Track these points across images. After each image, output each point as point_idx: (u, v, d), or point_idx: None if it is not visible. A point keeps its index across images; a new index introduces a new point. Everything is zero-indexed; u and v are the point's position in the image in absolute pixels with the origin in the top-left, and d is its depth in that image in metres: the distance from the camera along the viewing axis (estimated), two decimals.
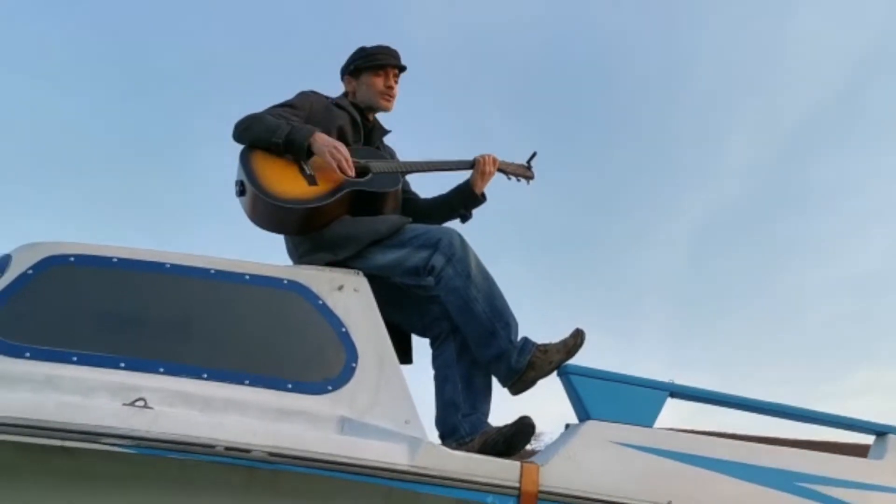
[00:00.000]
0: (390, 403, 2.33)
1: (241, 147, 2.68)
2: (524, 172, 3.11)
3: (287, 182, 2.58)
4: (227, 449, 1.99)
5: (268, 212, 2.59)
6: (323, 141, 2.62)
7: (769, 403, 2.69)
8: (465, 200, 3.02)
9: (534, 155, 3.13)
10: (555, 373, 2.51)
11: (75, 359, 2.19)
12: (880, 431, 2.75)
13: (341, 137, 2.77)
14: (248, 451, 2.01)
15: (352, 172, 2.63)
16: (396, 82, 3.01)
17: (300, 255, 2.65)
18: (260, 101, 3.06)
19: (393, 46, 3.03)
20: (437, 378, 2.70)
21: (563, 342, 2.50)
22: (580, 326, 2.55)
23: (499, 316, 2.52)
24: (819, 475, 2.51)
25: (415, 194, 3.10)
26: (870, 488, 2.55)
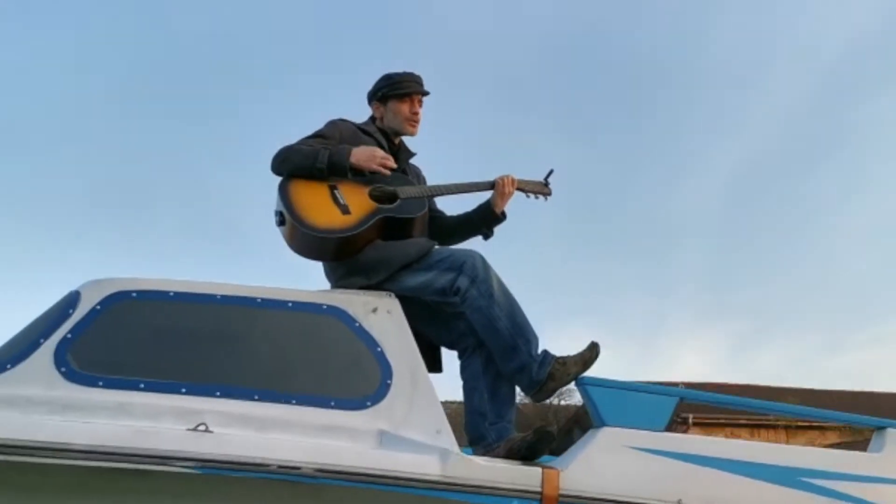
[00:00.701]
0: (423, 415, 2.58)
1: (278, 178, 2.91)
2: (542, 189, 3.28)
3: (322, 212, 2.81)
4: (280, 467, 2.26)
5: (306, 241, 2.83)
6: (361, 154, 2.87)
7: (773, 405, 2.89)
8: (486, 219, 3.22)
9: (550, 172, 3.30)
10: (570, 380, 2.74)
11: (142, 386, 2.47)
12: (879, 426, 2.92)
13: None
14: (297, 468, 2.27)
15: (394, 164, 2.89)
16: (420, 107, 3.21)
17: (337, 278, 2.89)
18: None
19: (417, 72, 3.23)
20: (465, 388, 2.94)
21: (581, 355, 2.72)
22: (595, 340, 2.77)
23: (520, 332, 2.74)
24: (820, 470, 2.70)
25: (440, 212, 3.31)
26: (870, 480, 2.73)
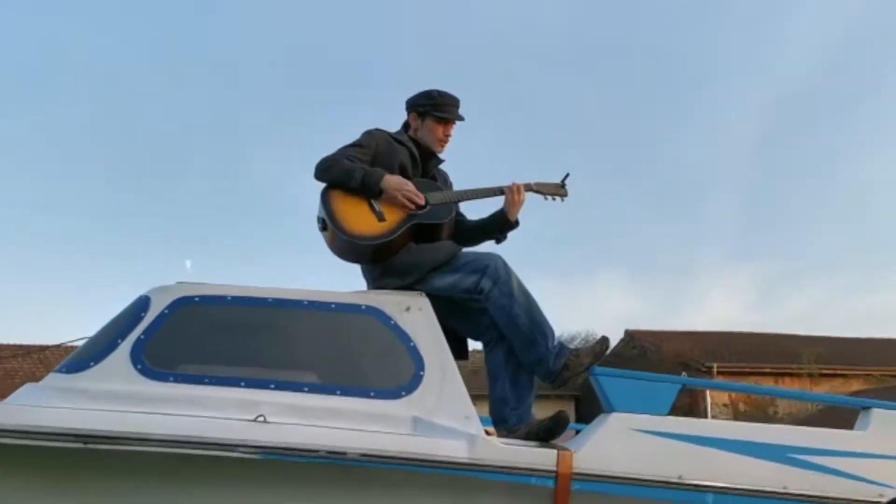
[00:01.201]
0: (452, 403, 2.92)
1: (321, 185, 3.22)
2: (558, 191, 3.54)
3: (360, 220, 3.12)
4: (329, 453, 2.62)
5: (345, 246, 3.15)
6: (392, 184, 3.15)
7: (772, 389, 3.19)
8: (500, 226, 3.51)
9: (567, 175, 3.56)
10: (586, 371, 3.06)
11: (207, 381, 2.83)
12: (866, 406, 3.22)
13: (402, 172, 3.29)
14: (344, 453, 2.63)
15: (422, 201, 3.16)
16: (452, 130, 3.50)
17: (373, 279, 3.22)
18: None
19: (457, 96, 3.50)
20: (489, 376, 3.28)
21: (591, 348, 3.05)
22: (605, 335, 3.09)
23: (538, 327, 3.06)
24: (809, 447, 3.01)
25: (462, 216, 3.60)
26: (856, 456, 3.04)
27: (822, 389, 21.33)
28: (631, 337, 23.65)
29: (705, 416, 20.55)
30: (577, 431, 3.21)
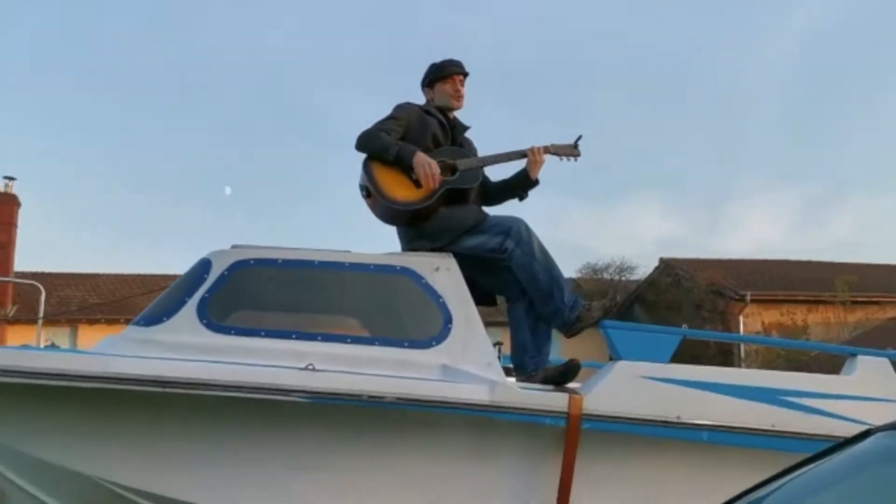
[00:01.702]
0: (476, 352, 3.31)
1: (363, 156, 3.57)
2: (572, 152, 3.84)
3: (399, 187, 3.48)
4: (370, 397, 3.03)
5: (386, 211, 3.53)
6: (420, 161, 3.48)
7: (767, 339, 3.52)
8: (523, 185, 3.85)
9: (579, 137, 3.85)
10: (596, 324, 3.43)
11: (263, 333, 3.25)
12: (852, 353, 3.55)
13: (435, 141, 3.63)
14: (383, 397, 3.04)
15: (436, 185, 3.50)
16: (462, 85, 3.82)
17: (408, 240, 3.59)
18: None
19: (456, 58, 3.83)
20: (511, 326, 3.65)
21: (602, 304, 3.41)
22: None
23: (556, 283, 3.42)
24: (798, 389, 3.36)
25: (487, 178, 3.92)
26: (841, 398, 3.38)
27: (856, 317, 21.47)
28: (666, 265, 23.79)
29: (738, 345, 20.93)
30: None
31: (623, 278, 27.94)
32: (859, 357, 3.52)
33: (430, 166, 3.46)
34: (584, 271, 27.83)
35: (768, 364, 19.59)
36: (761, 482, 1.84)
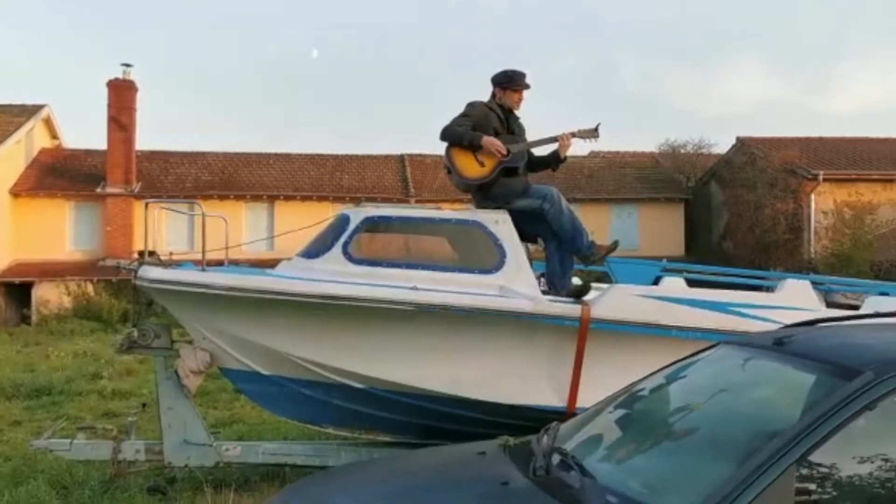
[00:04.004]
0: (522, 278, 5.03)
1: (444, 144, 5.23)
2: (592, 135, 5.35)
3: (469, 166, 5.15)
4: (454, 307, 4.81)
5: (462, 184, 5.22)
6: (488, 141, 5.10)
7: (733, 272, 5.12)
8: (555, 161, 5.45)
9: (598, 124, 5.36)
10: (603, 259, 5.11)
11: (384, 265, 5.05)
12: (782, 278, 5.13)
13: (495, 133, 5.22)
14: (462, 307, 4.81)
15: (504, 151, 5.12)
16: (524, 94, 5.37)
17: (477, 202, 5.29)
18: None
19: (523, 71, 5.36)
20: (546, 259, 5.36)
21: (608, 246, 5.07)
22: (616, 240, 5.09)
23: (577, 231, 5.10)
24: (740, 302, 4.99)
25: (532, 154, 5.51)
26: (769, 308, 4.96)
27: None
28: (742, 143, 24.36)
29: (809, 222, 21.86)
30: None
31: (700, 151, 28.42)
32: (787, 280, 5.11)
33: (494, 144, 5.09)
34: (663, 148, 28.70)
35: (836, 241, 20.62)
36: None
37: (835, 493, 2.31)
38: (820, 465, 2.31)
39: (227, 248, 5.91)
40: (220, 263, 5.90)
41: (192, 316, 5.22)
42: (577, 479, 2.56)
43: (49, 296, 21.12)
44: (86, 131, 60.58)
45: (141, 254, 5.20)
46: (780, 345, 2.92)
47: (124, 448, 5.32)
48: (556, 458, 2.75)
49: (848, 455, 2.36)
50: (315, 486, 3.34)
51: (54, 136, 25.85)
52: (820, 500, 2.29)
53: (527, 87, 5.38)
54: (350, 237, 5.09)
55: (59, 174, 23.61)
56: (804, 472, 2.28)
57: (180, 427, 5.29)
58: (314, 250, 5.20)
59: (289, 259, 5.45)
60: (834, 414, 2.34)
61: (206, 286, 4.89)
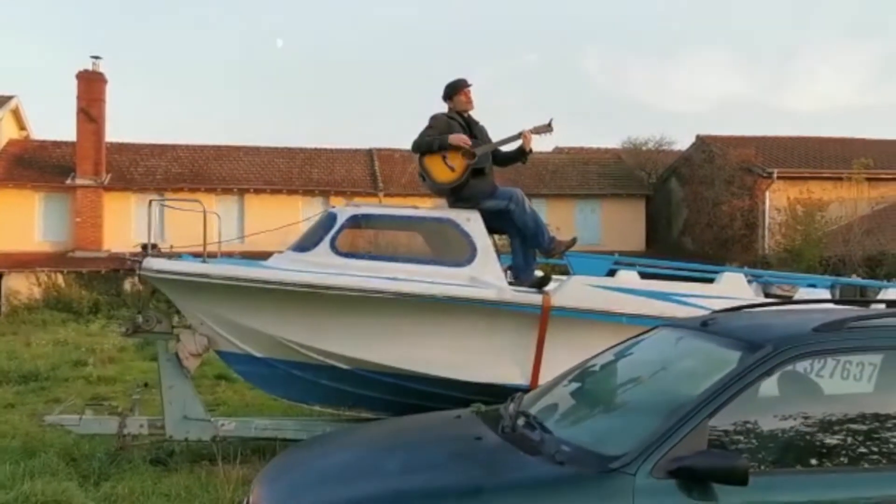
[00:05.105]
0: (490, 270, 5.63)
1: (416, 155, 5.83)
2: (546, 130, 5.92)
3: (441, 172, 5.74)
4: (427, 295, 5.39)
5: (435, 189, 5.83)
6: (454, 138, 5.69)
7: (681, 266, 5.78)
8: (521, 155, 6.02)
9: (551, 119, 5.93)
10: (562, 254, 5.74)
11: (367, 257, 5.62)
12: (720, 271, 5.81)
13: None
14: (433, 296, 5.40)
15: (470, 141, 5.71)
16: (470, 93, 5.98)
17: (450, 203, 5.89)
18: None
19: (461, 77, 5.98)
20: (512, 254, 5.97)
21: (566, 242, 5.70)
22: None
23: (539, 228, 5.72)
24: (681, 292, 5.63)
25: (499, 151, 6.10)
26: (706, 297, 5.59)
27: (879, 193, 22.96)
28: (701, 141, 25.14)
29: (763, 219, 22.76)
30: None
31: (661, 148, 29.29)
32: (725, 273, 5.78)
33: (461, 138, 5.69)
34: (625, 144, 29.57)
35: (788, 237, 21.50)
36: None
37: (741, 440, 2.94)
38: (728, 419, 2.92)
39: (219, 241, 6.45)
40: (211, 256, 6.42)
41: (192, 303, 5.75)
42: (539, 435, 3.15)
43: (19, 286, 21.29)
44: (54, 123, 60.11)
45: (144, 247, 5.69)
46: (705, 326, 3.54)
47: (129, 423, 5.84)
48: (521, 420, 3.35)
49: (751, 411, 2.98)
50: (305, 450, 3.88)
51: (22, 128, 25.89)
52: (727, 444, 2.90)
53: (468, 84, 5.98)
54: (337, 233, 5.64)
55: (28, 165, 23.69)
56: (716, 423, 2.89)
57: (180, 404, 5.82)
58: (304, 244, 5.76)
59: (280, 252, 5.98)
60: (739, 378, 2.96)
61: (208, 276, 5.42)
